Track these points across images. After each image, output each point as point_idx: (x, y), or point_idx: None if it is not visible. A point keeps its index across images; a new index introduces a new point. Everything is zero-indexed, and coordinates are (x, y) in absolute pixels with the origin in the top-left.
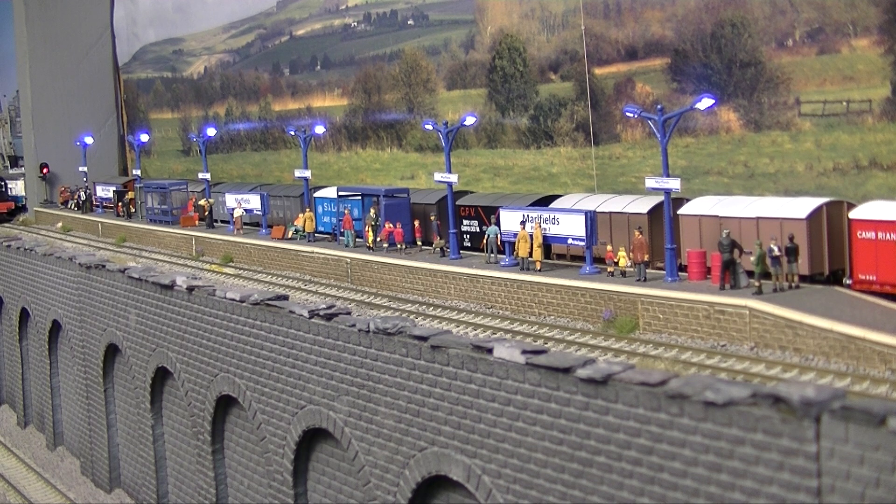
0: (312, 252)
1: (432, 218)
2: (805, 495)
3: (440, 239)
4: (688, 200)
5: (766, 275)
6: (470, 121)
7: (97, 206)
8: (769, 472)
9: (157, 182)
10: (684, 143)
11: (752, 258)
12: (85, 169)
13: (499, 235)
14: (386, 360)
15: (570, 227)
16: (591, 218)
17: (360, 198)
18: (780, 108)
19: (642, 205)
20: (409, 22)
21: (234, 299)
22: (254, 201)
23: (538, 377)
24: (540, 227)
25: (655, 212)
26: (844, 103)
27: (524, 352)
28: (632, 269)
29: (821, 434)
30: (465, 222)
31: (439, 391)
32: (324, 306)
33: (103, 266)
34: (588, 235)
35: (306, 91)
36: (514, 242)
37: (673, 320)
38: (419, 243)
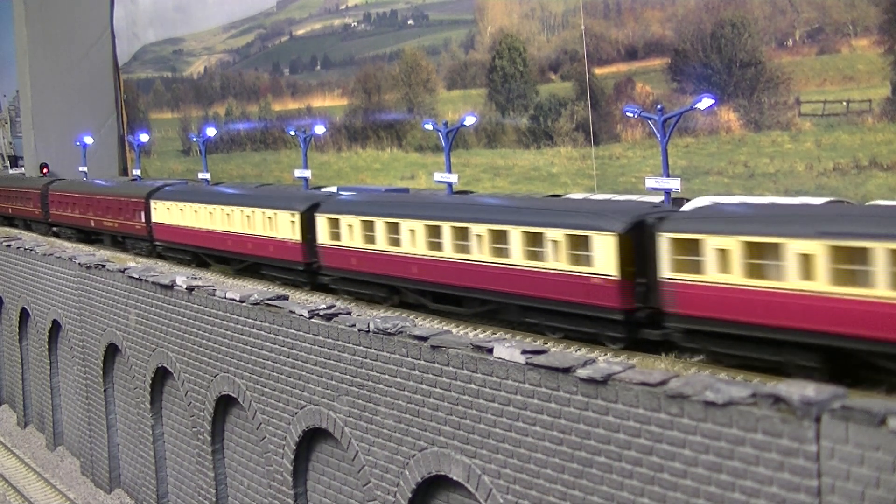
0: None
1: None
2: (805, 495)
3: None
4: (687, 200)
5: None
6: (470, 121)
7: None
8: (769, 472)
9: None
10: (684, 143)
11: None
12: (85, 169)
13: None
14: (386, 360)
15: None
16: None
17: None
18: (780, 108)
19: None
20: (409, 22)
21: (234, 299)
22: None
23: (538, 377)
24: None
25: None
26: (844, 103)
27: (524, 352)
28: None
29: (821, 434)
30: None
31: (439, 391)
32: (324, 306)
33: (103, 266)
34: None
35: (306, 91)
36: None
37: None
38: None
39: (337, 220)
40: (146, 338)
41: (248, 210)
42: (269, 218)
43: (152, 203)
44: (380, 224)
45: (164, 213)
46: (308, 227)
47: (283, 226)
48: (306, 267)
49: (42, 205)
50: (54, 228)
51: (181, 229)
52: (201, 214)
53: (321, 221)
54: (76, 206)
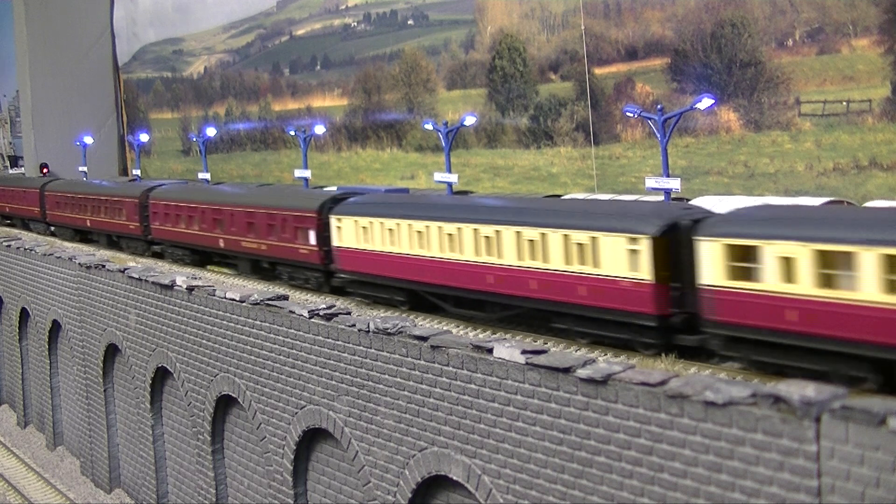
0: None
1: None
2: (805, 495)
3: None
4: (687, 200)
5: None
6: (470, 121)
7: None
8: (769, 472)
9: None
10: (684, 143)
11: None
12: (85, 169)
13: None
14: (386, 360)
15: None
16: None
17: None
18: (780, 108)
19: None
20: (409, 22)
21: (234, 299)
22: None
23: (538, 377)
24: None
25: None
26: (844, 103)
27: (524, 352)
28: None
29: (821, 434)
30: None
31: (439, 391)
32: (324, 306)
33: (103, 266)
34: None
35: (306, 91)
36: None
37: None
38: None
39: (750, 248)
40: (146, 338)
41: (532, 231)
42: (580, 244)
43: (333, 219)
44: (869, 258)
45: (356, 233)
46: (667, 259)
47: (611, 256)
48: (662, 322)
49: (141, 217)
50: (156, 247)
51: (391, 258)
52: (431, 237)
53: (710, 250)
54: (196, 220)
